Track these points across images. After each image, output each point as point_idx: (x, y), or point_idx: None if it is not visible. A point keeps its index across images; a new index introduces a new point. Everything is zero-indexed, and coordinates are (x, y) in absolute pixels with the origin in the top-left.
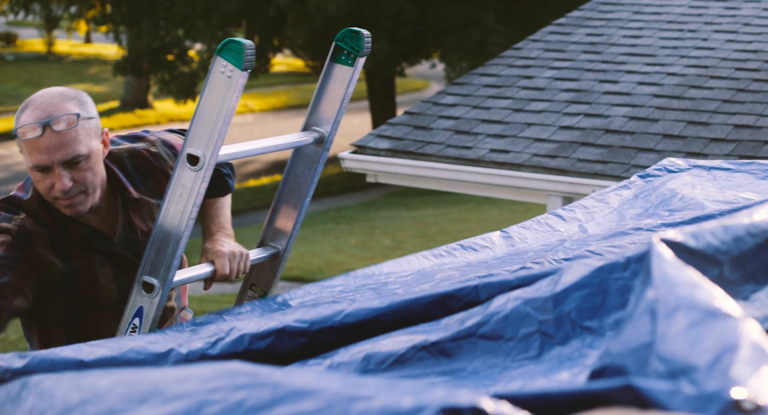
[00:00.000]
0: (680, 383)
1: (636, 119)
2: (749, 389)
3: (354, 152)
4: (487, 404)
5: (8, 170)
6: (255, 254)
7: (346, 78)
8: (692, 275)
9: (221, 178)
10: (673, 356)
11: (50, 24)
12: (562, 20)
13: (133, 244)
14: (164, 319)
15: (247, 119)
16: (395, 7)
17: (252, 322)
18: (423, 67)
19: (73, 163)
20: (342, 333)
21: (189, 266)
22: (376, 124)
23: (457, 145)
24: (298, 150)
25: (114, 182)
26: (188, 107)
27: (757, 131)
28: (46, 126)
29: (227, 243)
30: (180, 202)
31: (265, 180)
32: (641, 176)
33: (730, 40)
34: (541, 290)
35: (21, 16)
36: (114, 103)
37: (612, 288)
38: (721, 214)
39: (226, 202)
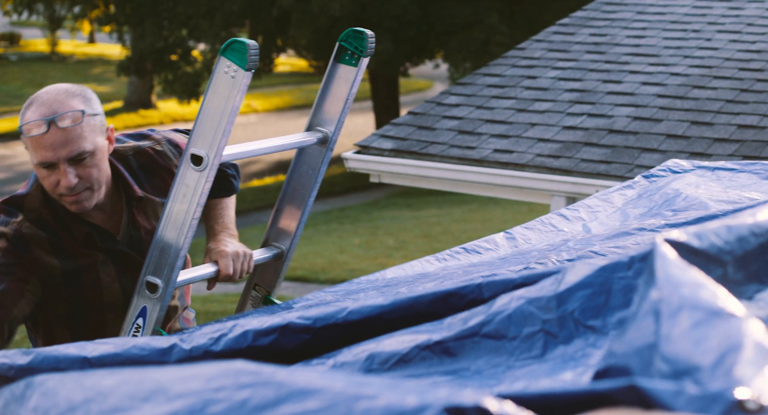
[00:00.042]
0: (684, 384)
1: (639, 119)
2: (753, 389)
3: (357, 152)
4: (490, 403)
5: (11, 170)
6: (258, 254)
7: (349, 78)
8: (696, 275)
9: (226, 179)
10: (677, 356)
11: (54, 24)
12: (565, 20)
13: (137, 242)
14: (167, 318)
15: (250, 119)
16: (399, 8)
17: (255, 318)
18: (426, 67)
19: (79, 159)
20: (346, 330)
21: (193, 265)
22: (379, 124)
23: (460, 146)
24: (302, 150)
25: (119, 180)
26: (192, 107)
27: (760, 131)
28: (51, 123)
29: (231, 243)
30: (184, 202)
31: (268, 180)
32: (645, 176)
33: (734, 41)
34: (544, 289)
35: (24, 16)
36: (117, 104)
37: (615, 287)
38: (725, 214)
39: (231, 202)
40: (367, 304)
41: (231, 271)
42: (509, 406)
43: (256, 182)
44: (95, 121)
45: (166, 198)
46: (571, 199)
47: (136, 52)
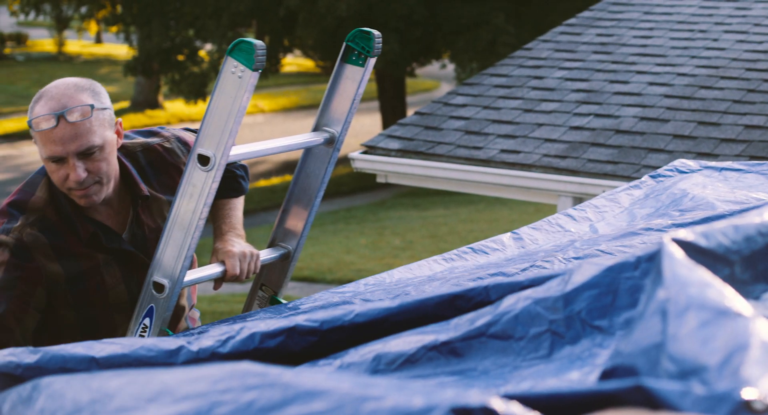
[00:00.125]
0: (691, 384)
1: (646, 120)
2: (760, 389)
3: (364, 153)
4: (497, 404)
5: (19, 170)
6: (265, 254)
7: (356, 78)
8: (703, 275)
9: (234, 180)
10: (684, 356)
11: (61, 24)
12: (572, 21)
13: (141, 240)
14: (176, 317)
15: (257, 119)
16: (405, 8)
17: (262, 321)
18: (433, 67)
19: (88, 153)
20: (352, 333)
21: (199, 265)
22: (386, 124)
23: (467, 146)
24: (309, 150)
25: (126, 178)
26: (199, 107)
27: (767, 132)
28: (60, 117)
29: (238, 243)
30: (191, 202)
31: (275, 180)
32: (652, 177)
33: (741, 41)
34: (551, 289)
35: (32, 16)
36: (124, 104)
37: (622, 288)
38: (732, 214)
39: (239, 203)
40: (374, 306)
41: (238, 271)
42: (516, 406)
43: (262, 182)
44: (104, 115)
45: (172, 196)
46: (578, 200)
47: (143, 52)
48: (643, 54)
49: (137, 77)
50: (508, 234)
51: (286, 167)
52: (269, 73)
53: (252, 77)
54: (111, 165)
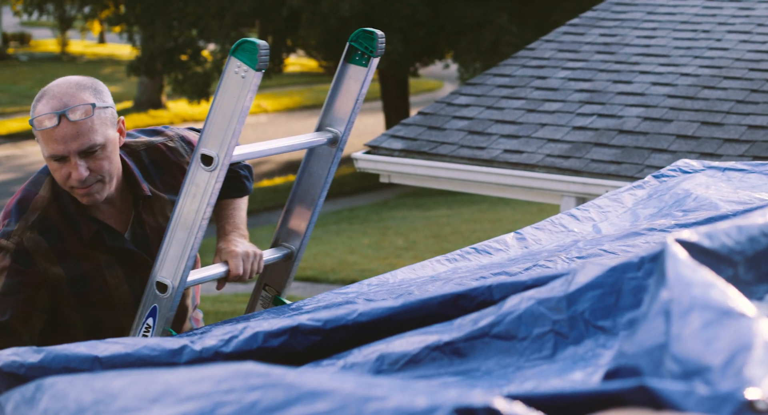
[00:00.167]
0: (694, 384)
1: (650, 120)
2: (763, 390)
3: (367, 152)
4: (500, 404)
5: (23, 170)
6: (268, 255)
7: (360, 78)
8: (707, 275)
9: (238, 180)
10: (687, 356)
11: (64, 24)
12: (575, 21)
13: (142, 240)
14: (180, 318)
15: (260, 120)
16: (408, 8)
17: (266, 320)
18: (436, 67)
19: (90, 152)
20: (356, 332)
21: (202, 265)
22: (389, 124)
23: (470, 146)
24: (312, 150)
25: (128, 177)
26: (202, 107)
27: None
28: (61, 116)
29: (241, 243)
30: (194, 201)
31: (278, 180)
32: (655, 177)
33: (744, 41)
34: (554, 289)
35: (35, 16)
36: (128, 104)
37: (626, 288)
38: (735, 214)
39: (243, 203)
40: (377, 306)
41: (241, 271)
42: (519, 406)
43: (266, 182)
44: (106, 113)
45: (175, 195)
46: (581, 200)
47: (146, 52)
48: (647, 54)
49: (140, 77)
50: (512, 234)
51: (289, 167)
52: (272, 73)
53: (255, 77)
54: (113, 163)
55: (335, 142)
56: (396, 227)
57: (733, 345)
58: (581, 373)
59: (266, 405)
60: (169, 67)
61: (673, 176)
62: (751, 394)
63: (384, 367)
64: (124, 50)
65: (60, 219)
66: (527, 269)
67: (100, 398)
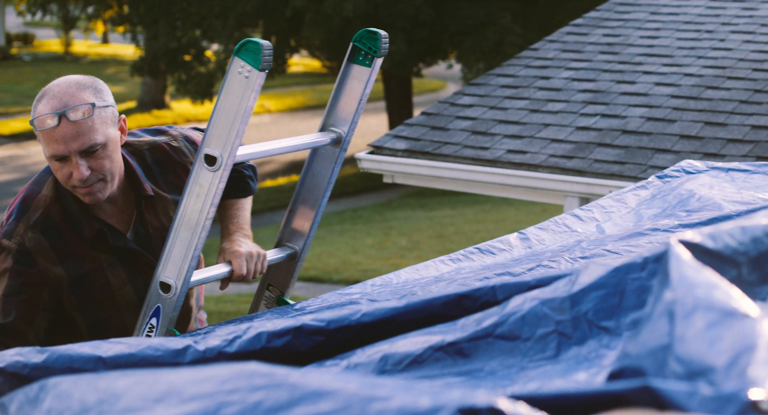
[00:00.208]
0: (698, 384)
1: (653, 120)
2: (767, 390)
3: (371, 153)
4: (504, 404)
5: (26, 170)
6: (272, 255)
7: (363, 78)
8: (710, 276)
9: (242, 180)
10: (691, 357)
11: (67, 24)
12: (579, 21)
13: (144, 239)
14: (185, 318)
15: (264, 120)
16: (412, 8)
17: (269, 320)
18: (440, 67)
19: (90, 151)
20: (359, 332)
21: (206, 265)
22: (392, 124)
23: (473, 146)
24: (316, 150)
25: (131, 177)
26: (205, 108)
27: None
28: (62, 116)
29: (245, 243)
30: (197, 202)
31: (282, 180)
32: (659, 177)
33: (748, 41)
34: (558, 290)
35: (38, 16)
36: (131, 104)
37: (629, 288)
38: (739, 215)
39: (246, 203)
40: (380, 306)
41: (244, 271)
42: (522, 407)
43: (269, 182)
44: (106, 112)
45: (179, 195)
46: (585, 200)
47: (150, 52)
48: (650, 54)
49: (144, 77)
50: (515, 234)
51: (293, 167)
52: (276, 74)
53: (259, 77)
54: (115, 162)
55: (339, 142)
56: (399, 227)
57: (737, 346)
58: (585, 373)
59: (270, 405)
60: (173, 68)
61: (677, 177)
62: (754, 394)
63: (387, 367)
64: (128, 50)
65: (62, 218)
66: (531, 270)
67: (103, 398)
